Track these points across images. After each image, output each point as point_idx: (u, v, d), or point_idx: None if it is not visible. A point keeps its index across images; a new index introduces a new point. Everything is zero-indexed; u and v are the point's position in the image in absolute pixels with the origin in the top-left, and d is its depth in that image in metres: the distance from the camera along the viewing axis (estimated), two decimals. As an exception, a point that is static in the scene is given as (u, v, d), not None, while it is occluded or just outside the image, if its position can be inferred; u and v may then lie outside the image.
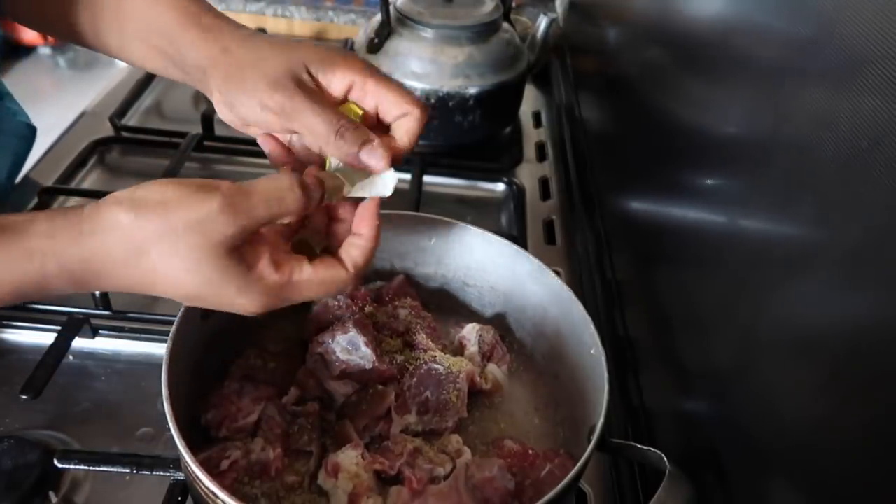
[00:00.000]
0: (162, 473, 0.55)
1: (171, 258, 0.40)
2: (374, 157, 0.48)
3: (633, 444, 0.50)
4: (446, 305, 0.68)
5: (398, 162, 0.50)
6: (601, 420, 0.48)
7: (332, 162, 0.51)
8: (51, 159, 0.91)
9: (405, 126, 0.51)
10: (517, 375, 0.63)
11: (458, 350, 0.62)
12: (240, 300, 0.43)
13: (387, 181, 0.49)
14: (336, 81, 0.50)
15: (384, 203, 0.49)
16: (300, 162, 0.53)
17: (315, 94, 0.49)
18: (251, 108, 0.49)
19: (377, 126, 0.51)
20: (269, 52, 0.50)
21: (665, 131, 0.66)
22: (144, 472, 0.55)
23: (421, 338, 0.61)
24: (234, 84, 0.49)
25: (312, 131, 0.48)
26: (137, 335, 0.68)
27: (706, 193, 0.55)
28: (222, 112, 0.52)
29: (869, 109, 0.34)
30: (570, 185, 0.98)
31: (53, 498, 0.56)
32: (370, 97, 0.51)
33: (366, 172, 0.49)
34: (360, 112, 0.51)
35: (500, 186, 0.98)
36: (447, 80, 0.96)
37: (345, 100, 0.51)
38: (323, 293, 0.46)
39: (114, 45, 0.57)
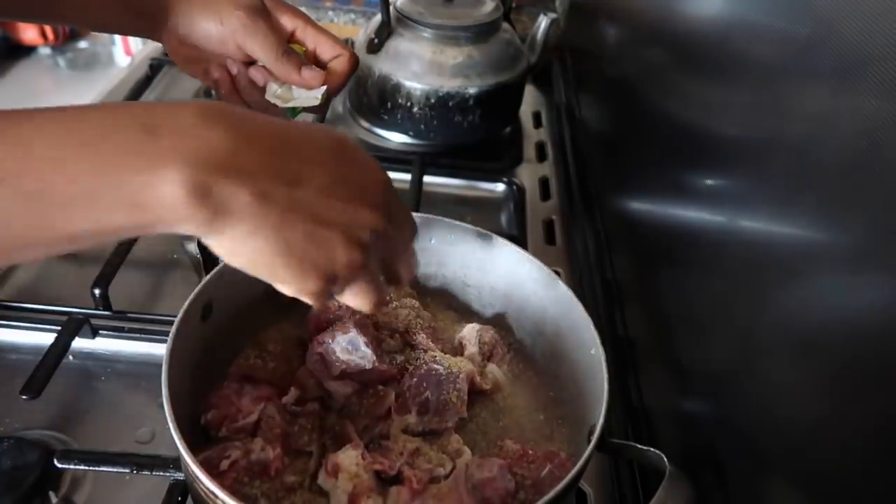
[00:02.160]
0: (162, 473, 0.55)
1: None
2: (310, 73, 0.60)
3: (633, 444, 0.50)
4: (446, 305, 0.68)
5: (333, 92, 0.63)
6: (601, 420, 0.48)
7: (271, 88, 0.61)
8: (51, 159, 0.91)
9: (339, 65, 0.63)
10: (517, 375, 0.63)
11: (458, 350, 0.62)
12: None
13: (317, 94, 0.61)
14: (284, 21, 0.62)
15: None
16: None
17: (269, 19, 0.60)
18: (210, 25, 0.58)
19: (315, 64, 0.63)
20: None
21: (665, 131, 0.66)
22: (144, 472, 0.55)
23: (421, 338, 0.61)
24: (200, 5, 0.59)
25: (263, 48, 0.59)
26: (137, 335, 0.68)
27: (706, 193, 0.55)
28: (171, 45, 0.61)
29: (869, 109, 0.34)
30: (570, 185, 0.98)
31: (53, 498, 0.56)
32: (310, 40, 0.63)
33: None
34: (304, 50, 0.63)
35: (500, 186, 0.98)
36: (447, 80, 0.96)
37: (290, 41, 0.62)
38: None
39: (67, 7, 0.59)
